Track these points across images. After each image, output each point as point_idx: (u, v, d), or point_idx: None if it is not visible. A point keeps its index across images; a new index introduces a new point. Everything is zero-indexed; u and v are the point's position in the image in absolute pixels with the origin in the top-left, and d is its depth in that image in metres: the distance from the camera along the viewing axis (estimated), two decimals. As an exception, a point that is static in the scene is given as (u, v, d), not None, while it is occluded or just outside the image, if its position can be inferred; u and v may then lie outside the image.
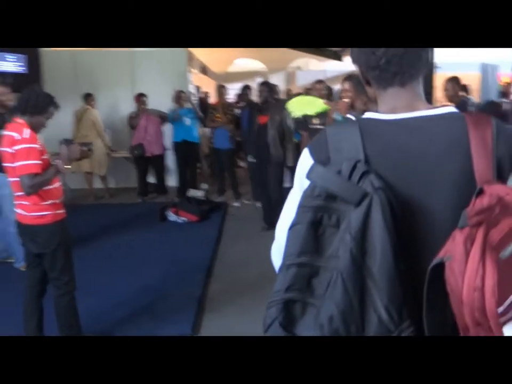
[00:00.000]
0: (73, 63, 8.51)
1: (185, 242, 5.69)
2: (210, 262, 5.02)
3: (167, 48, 8.68)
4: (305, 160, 1.12)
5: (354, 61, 1.16)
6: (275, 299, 1.01)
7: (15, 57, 7.50)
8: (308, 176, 1.04)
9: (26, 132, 2.96)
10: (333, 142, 1.08)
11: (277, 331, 0.99)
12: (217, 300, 4.20)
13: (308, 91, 7.07)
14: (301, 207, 1.03)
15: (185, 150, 7.61)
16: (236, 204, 7.42)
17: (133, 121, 7.71)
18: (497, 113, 5.04)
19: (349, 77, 4.30)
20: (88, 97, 7.76)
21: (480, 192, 0.93)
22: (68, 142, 3.23)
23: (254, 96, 9.85)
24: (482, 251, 0.85)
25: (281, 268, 1.03)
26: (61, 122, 7.85)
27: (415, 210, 1.03)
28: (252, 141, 6.37)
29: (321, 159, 1.07)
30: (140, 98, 7.69)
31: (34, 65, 7.73)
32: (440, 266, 0.90)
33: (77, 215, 6.75)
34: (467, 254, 0.86)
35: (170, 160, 8.09)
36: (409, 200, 1.03)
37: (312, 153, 1.12)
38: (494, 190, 0.92)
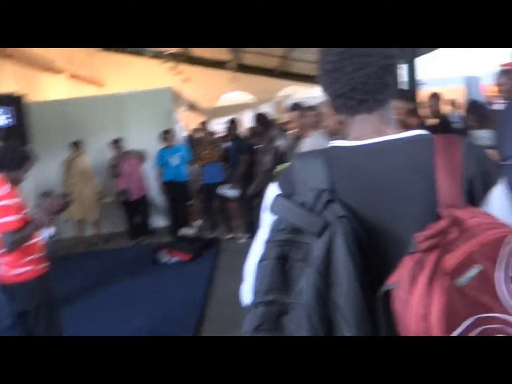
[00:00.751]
0: (60, 112, 8.59)
1: (178, 283, 5.62)
2: (203, 301, 4.94)
3: (152, 89, 8.85)
4: (273, 193, 1.09)
5: (323, 89, 1.13)
6: None
7: (1, 110, 7.56)
8: (271, 209, 1.03)
9: (5, 188, 2.94)
10: (298, 173, 1.07)
11: None
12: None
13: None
14: (268, 242, 1.00)
15: (173, 189, 7.62)
16: (228, 237, 7.38)
17: (115, 169, 7.71)
18: (480, 114, 4.99)
19: (294, 107, 4.29)
20: (76, 144, 7.81)
21: (439, 217, 0.91)
22: (47, 194, 3.21)
23: (243, 129, 9.97)
24: (431, 278, 0.82)
25: (249, 307, 1.00)
26: (50, 172, 7.96)
27: (382, 238, 0.99)
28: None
29: (288, 192, 1.06)
30: (116, 144, 7.73)
31: (20, 117, 7.79)
32: (389, 293, 0.88)
33: (69, 265, 6.79)
34: (414, 280, 0.83)
35: (158, 200, 8.10)
36: (375, 227, 1.00)
37: (280, 187, 1.10)
38: (451, 213, 0.89)
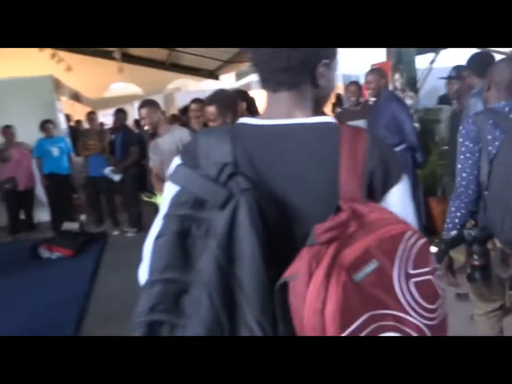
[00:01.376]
0: None
1: (58, 279, 5.35)
2: (84, 298, 4.75)
3: (30, 75, 8.34)
4: (173, 167, 1.04)
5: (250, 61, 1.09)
6: (138, 321, 0.89)
7: None
8: (171, 177, 0.97)
9: None
10: (202, 147, 1.02)
11: None
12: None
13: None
14: (167, 216, 0.94)
15: (55, 182, 7.24)
16: (116, 233, 7.18)
17: (2, 154, 7.22)
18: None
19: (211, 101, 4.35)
20: None
21: (339, 209, 0.89)
22: None
23: (130, 120, 9.72)
24: (328, 271, 0.79)
25: (144, 286, 0.93)
26: None
27: (283, 223, 0.96)
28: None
29: (190, 165, 1.01)
30: (7, 130, 7.26)
31: None
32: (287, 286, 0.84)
33: None
34: (310, 274, 0.81)
35: (41, 194, 7.67)
36: (277, 211, 0.95)
37: (182, 159, 1.06)
38: (352, 207, 0.88)
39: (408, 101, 5.87)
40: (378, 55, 7.71)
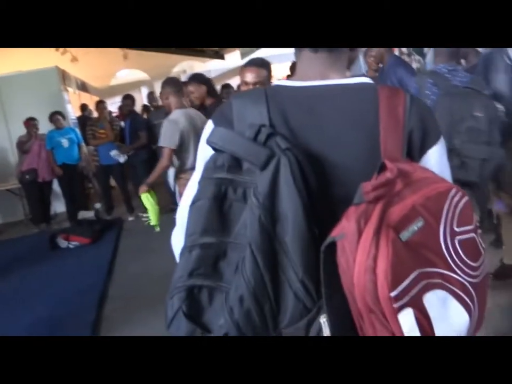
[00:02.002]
0: None
1: (77, 267, 5.48)
2: (103, 283, 4.87)
3: (35, 69, 8.38)
4: (208, 130, 1.01)
5: None
6: (177, 286, 0.88)
7: None
8: (208, 139, 0.94)
9: None
10: (237, 110, 1.00)
11: (181, 323, 0.87)
12: (113, 320, 4.08)
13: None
14: (202, 180, 0.92)
15: (67, 173, 7.33)
16: (131, 219, 7.27)
17: (24, 145, 7.29)
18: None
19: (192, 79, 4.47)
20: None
21: (383, 167, 0.87)
22: None
23: (138, 107, 9.75)
24: (377, 229, 0.78)
25: (182, 251, 0.91)
26: None
27: (322, 176, 0.94)
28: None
29: (224, 126, 0.98)
30: (31, 122, 7.29)
31: None
32: (334, 246, 0.82)
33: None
34: (360, 232, 0.79)
35: (57, 184, 7.76)
36: (317, 171, 0.93)
37: (216, 123, 1.02)
38: (396, 165, 0.85)
39: (415, 65, 5.77)
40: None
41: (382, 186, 0.82)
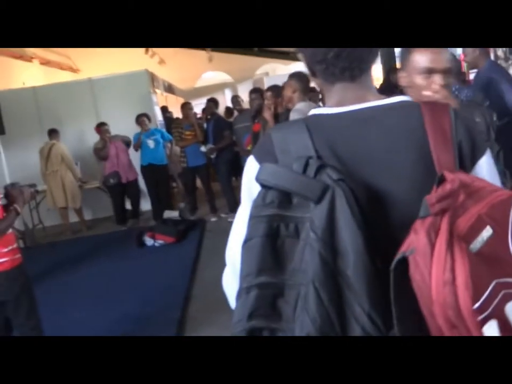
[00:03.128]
0: (34, 99, 8.46)
1: (163, 265, 5.62)
2: (188, 283, 4.95)
3: (128, 71, 8.72)
4: (251, 167, 1.00)
5: (300, 50, 1.04)
6: (238, 330, 0.87)
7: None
8: (258, 177, 0.90)
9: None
10: (278, 143, 0.97)
11: None
12: (198, 321, 4.13)
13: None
14: (253, 218, 0.89)
15: (153, 173, 7.55)
16: (214, 219, 7.37)
17: (101, 152, 7.52)
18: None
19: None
20: (53, 133, 7.66)
21: (442, 179, 0.85)
22: (13, 185, 3.18)
23: (222, 108, 9.89)
24: (449, 240, 0.76)
25: (239, 294, 0.89)
26: (27, 160, 7.87)
27: (378, 205, 0.93)
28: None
29: (267, 161, 0.95)
30: (102, 128, 7.53)
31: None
32: (404, 262, 0.79)
33: (55, 252, 6.75)
34: (432, 244, 0.77)
35: (143, 183, 8.01)
36: (371, 194, 0.92)
37: (258, 159, 1.00)
38: (456, 176, 0.85)
39: (512, 71, 5.47)
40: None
41: (446, 197, 0.81)
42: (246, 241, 0.90)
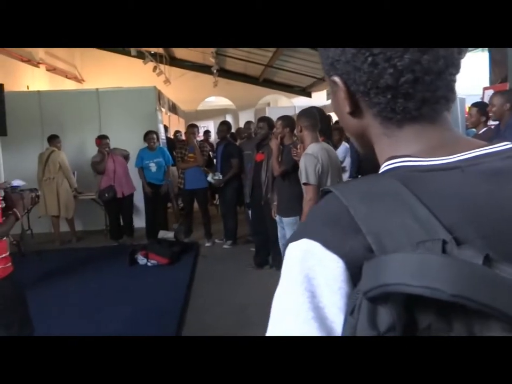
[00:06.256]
0: (38, 104, 8.36)
1: (155, 287, 5.47)
2: (181, 307, 4.81)
3: (136, 86, 8.68)
4: (312, 258, 0.62)
5: (337, 73, 0.71)
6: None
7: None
8: (390, 282, 0.51)
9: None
10: (365, 217, 0.61)
11: None
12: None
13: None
14: None
15: (153, 192, 7.45)
16: (208, 244, 7.25)
17: (98, 166, 7.38)
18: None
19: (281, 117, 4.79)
20: (53, 139, 7.54)
21: None
22: (14, 189, 3.08)
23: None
24: None
25: None
26: (25, 164, 7.73)
27: None
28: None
29: (351, 250, 0.60)
30: (102, 140, 7.40)
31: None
32: None
33: (43, 260, 6.56)
34: None
35: (138, 200, 7.87)
36: None
37: (327, 244, 0.61)
38: None
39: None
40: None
41: None
42: None
